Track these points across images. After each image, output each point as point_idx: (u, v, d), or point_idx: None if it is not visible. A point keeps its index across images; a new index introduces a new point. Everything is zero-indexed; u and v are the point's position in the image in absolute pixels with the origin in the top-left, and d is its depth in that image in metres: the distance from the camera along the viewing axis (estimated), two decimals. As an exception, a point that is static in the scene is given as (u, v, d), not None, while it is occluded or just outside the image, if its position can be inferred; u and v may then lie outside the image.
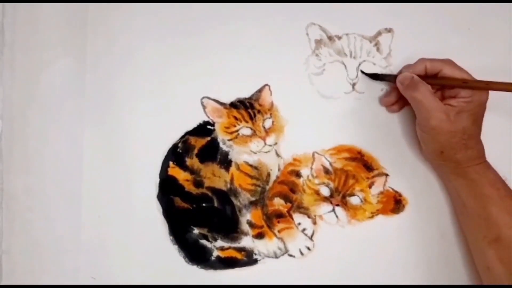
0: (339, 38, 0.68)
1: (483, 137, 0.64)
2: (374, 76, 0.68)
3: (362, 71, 0.68)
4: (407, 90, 0.62)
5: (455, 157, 0.62)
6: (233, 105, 0.67)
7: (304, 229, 0.68)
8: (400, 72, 0.66)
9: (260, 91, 0.68)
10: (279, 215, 0.68)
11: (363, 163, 0.68)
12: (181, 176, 0.67)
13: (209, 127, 0.68)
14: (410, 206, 0.68)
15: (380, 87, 0.68)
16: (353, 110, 0.68)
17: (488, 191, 0.62)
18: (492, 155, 0.64)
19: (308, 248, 0.68)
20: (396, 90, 0.65)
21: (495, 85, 0.61)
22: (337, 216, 0.68)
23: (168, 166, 0.67)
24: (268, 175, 0.68)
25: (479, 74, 0.64)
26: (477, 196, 0.62)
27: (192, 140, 0.68)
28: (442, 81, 0.63)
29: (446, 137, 0.61)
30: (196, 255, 0.68)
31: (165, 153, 0.67)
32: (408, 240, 0.68)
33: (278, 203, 0.68)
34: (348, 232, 0.68)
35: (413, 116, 0.65)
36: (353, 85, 0.68)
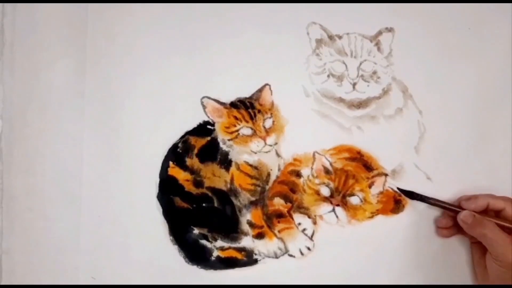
0: (340, 37, 0.68)
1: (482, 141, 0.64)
2: (410, 195, 0.67)
3: (398, 188, 0.68)
4: (473, 228, 0.62)
5: None
6: (233, 105, 0.67)
7: (304, 229, 0.68)
8: (458, 204, 0.66)
9: (260, 90, 0.67)
10: (279, 215, 0.68)
11: (363, 163, 0.68)
12: (181, 176, 0.67)
13: (209, 127, 0.68)
14: (410, 206, 0.68)
15: (381, 87, 0.68)
16: (354, 110, 0.68)
17: None
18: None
19: (308, 248, 0.68)
20: (451, 216, 0.66)
21: None
22: (337, 216, 0.68)
23: (168, 166, 0.67)
24: (268, 175, 0.68)
25: (479, 74, 0.64)
26: None
27: (192, 140, 0.68)
28: (503, 221, 0.63)
29: None
30: (196, 255, 0.68)
31: (165, 153, 0.67)
32: (408, 240, 0.68)
33: (278, 203, 0.68)
34: (348, 232, 0.68)
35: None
36: (354, 84, 0.68)
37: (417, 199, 0.67)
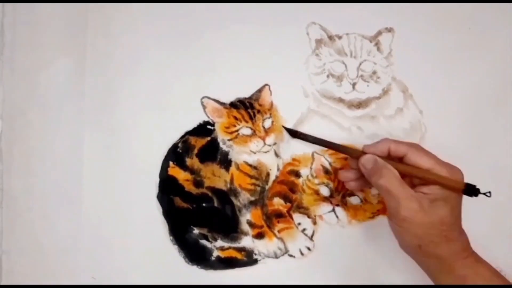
0: (340, 37, 0.68)
1: (482, 140, 0.64)
2: (292, 133, 0.66)
3: (283, 126, 0.67)
4: (371, 176, 0.58)
5: (435, 251, 0.56)
6: (233, 105, 0.67)
7: (304, 229, 0.68)
8: (363, 152, 0.61)
9: (260, 91, 0.67)
10: (279, 215, 0.68)
11: (362, 163, 0.68)
12: (181, 176, 0.67)
13: (209, 127, 0.68)
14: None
15: (381, 87, 0.68)
16: (353, 110, 0.68)
17: None
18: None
19: (308, 248, 0.68)
20: (355, 167, 0.62)
21: (445, 181, 0.56)
22: (337, 216, 0.68)
23: (168, 166, 0.67)
24: (268, 175, 0.68)
25: (479, 74, 0.63)
26: None
27: (192, 140, 0.68)
28: (405, 167, 0.58)
29: (422, 229, 0.55)
30: (196, 255, 0.68)
31: (165, 153, 0.68)
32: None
33: (278, 203, 0.68)
34: (348, 232, 0.68)
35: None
36: (353, 85, 0.68)
37: (300, 138, 0.65)
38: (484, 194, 0.56)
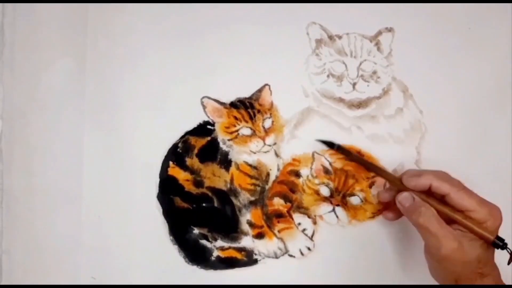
0: (340, 37, 0.68)
1: (482, 140, 0.65)
2: (329, 145, 0.66)
3: (317, 140, 0.67)
4: (410, 214, 0.58)
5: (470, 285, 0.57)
6: (233, 105, 0.67)
7: (304, 229, 0.68)
8: (400, 177, 0.62)
9: (260, 91, 0.67)
10: (279, 215, 0.68)
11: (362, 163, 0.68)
12: (181, 176, 0.67)
13: (209, 127, 0.68)
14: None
15: (382, 87, 0.68)
16: (354, 110, 0.68)
17: None
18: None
19: (309, 248, 0.68)
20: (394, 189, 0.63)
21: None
22: (337, 216, 0.68)
23: (168, 166, 0.67)
24: (268, 175, 0.68)
25: (479, 74, 0.63)
26: None
27: (192, 140, 0.68)
28: (442, 208, 0.58)
29: (459, 267, 0.56)
30: (196, 255, 0.68)
31: (165, 153, 0.67)
32: (409, 240, 0.68)
33: (278, 203, 0.68)
34: (349, 232, 0.68)
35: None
36: (354, 84, 0.68)
37: (339, 151, 0.65)
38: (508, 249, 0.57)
